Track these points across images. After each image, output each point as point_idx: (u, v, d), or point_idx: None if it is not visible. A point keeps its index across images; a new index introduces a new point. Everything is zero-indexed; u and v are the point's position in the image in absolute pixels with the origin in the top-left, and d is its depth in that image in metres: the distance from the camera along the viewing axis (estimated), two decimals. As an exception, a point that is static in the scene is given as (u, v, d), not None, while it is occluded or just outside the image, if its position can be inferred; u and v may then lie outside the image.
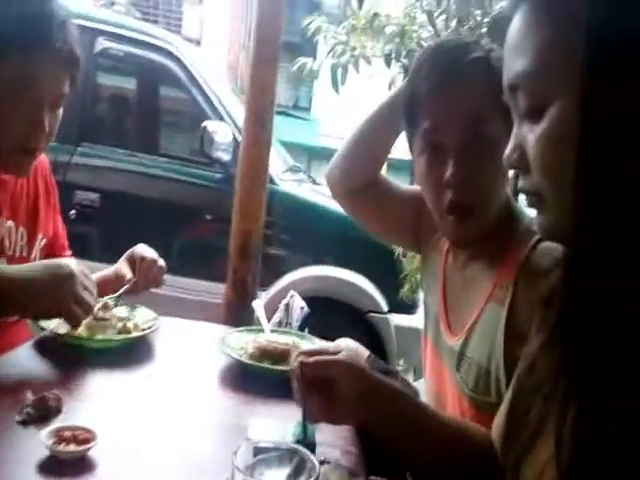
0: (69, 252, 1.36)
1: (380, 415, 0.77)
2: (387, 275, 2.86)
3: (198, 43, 8.64)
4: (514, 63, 0.57)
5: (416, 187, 1.12)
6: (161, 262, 1.30)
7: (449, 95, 0.90)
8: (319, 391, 0.75)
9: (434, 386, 1.08)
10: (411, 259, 2.63)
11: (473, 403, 0.92)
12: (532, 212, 0.65)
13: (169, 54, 3.10)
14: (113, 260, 1.35)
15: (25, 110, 1.03)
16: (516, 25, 0.58)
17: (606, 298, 0.47)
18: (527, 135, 0.57)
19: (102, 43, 3.03)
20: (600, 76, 0.48)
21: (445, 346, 1.01)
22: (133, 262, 1.29)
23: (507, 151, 0.60)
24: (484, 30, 2.03)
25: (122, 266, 1.30)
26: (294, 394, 0.78)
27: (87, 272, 1.07)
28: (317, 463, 0.49)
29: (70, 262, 1.05)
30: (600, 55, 0.48)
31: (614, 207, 0.47)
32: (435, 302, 1.07)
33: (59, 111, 1.10)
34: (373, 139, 1.18)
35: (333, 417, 0.78)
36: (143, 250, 1.31)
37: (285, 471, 0.51)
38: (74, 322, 1.04)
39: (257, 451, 0.52)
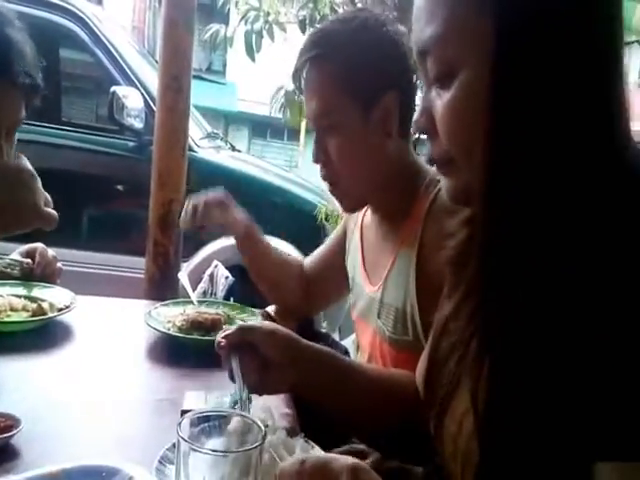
0: None
1: (310, 376, 0.78)
2: (310, 240, 2.88)
3: (99, 2, 8.10)
4: (424, 29, 0.56)
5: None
6: (59, 264, 1.32)
7: (305, 90, 1.02)
8: (246, 360, 0.75)
9: (361, 341, 1.13)
10: (334, 224, 2.66)
11: (393, 345, 0.98)
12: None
13: (70, 14, 2.88)
14: (15, 239, 1.27)
15: None
16: None
17: (517, 259, 0.50)
18: (435, 101, 0.57)
19: (-8, 1, 2.76)
20: (509, 42, 0.49)
21: (366, 298, 1.07)
22: (32, 255, 1.28)
23: (416, 115, 0.61)
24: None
25: (16, 256, 1.29)
26: (224, 367, 0.78)
27: None
28: (262, 427, 0.49)
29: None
30: (509, 22, 0.49)
31: (525, 168, 0.49)
32: (355, 261, 1.14)
33: (15, 137, 1.05)
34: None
35: (265, 385, 0.77)
36: (44, 247, 1.31)
37: (231, 437, 0.51)
38: (52, 223, 0.98)
39: (200, 421, 0.51)
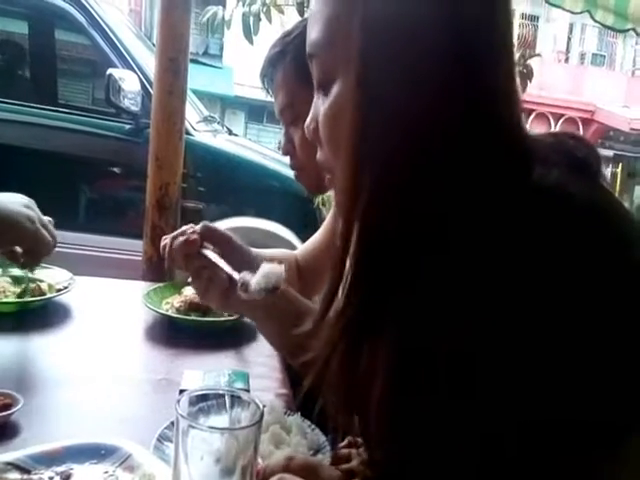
0: None
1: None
2: (307, 224, 2.89)
3: (95, -17, 8.00)
4: (311, 31, 0.54)
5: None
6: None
7: (273, 90, 1.07)
8: None
9: None
10: (330, 208, 2.66)
11: None
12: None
13: (66, -5, 2.84)
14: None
15: None
16: None
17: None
18: (319, 107, 0.55)
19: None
20: (371, 61, 0.46)
21: None
22: None
23: (307, 121, 0.58)
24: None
25: None
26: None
27: None
28: (260, 405, 0.50)
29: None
30: (372, 40, 0.46)
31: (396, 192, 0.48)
32: None
33: None
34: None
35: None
36: None
37: (229, 415, 0.51)
38: (41, 245, 0.98)
39: (198, 399, 0.52)
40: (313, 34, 0.53)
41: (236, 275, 0.78)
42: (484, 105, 0.48)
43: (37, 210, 1.00)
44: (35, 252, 1.00)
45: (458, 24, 0.46)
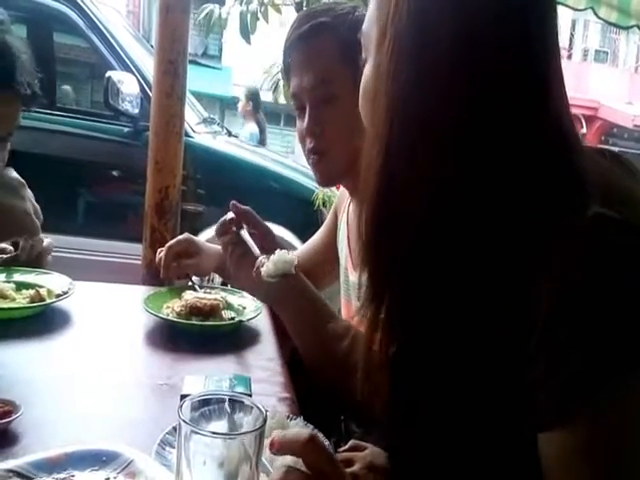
0: None
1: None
2: (307, 226, 2.87)
3: (93, -14, 8.00)
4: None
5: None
6: (48, 241, 1.29)
7: (298, 63, 1.03)
8: None
9: None
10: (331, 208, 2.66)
11: None
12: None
13: (64, -3, 2.84)
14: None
15: None
16: None
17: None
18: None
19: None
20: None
21: (350, 283, 1.09)
22: (16, 241, 1.26)
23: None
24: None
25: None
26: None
27: None
28: (263, 410, 0.50)
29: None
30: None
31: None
32: (343, 246, 1.16)
33: (7, 144, 1.07)
34: None
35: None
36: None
37: (232, 420, 0.51)
38: (35, 236, 0.99)
39: (201, 404, 0.51)
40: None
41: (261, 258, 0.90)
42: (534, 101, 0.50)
43: (28, 193, 1.00)
44: (26, 242, 1.01)
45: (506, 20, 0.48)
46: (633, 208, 0.46)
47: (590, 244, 0.45)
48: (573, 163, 0.50)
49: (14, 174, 1.02)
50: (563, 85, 0.53)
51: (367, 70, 0.56)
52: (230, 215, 0.99)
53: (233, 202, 0.99)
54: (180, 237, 1.30)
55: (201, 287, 1.26)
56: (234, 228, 0.98)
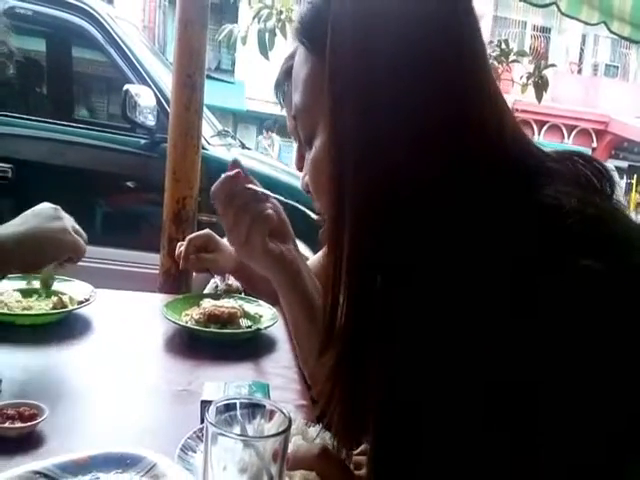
0: None
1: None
2: (319, 237, 2.89)
3: (110, 1, 8.15)
4: (294, 95, 0.58)
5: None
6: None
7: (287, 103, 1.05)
8: None
9: None
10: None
11: None
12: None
13: (83, 12, 2.90)
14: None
15: None
16: (296, 58, 0.57)
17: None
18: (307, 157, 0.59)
19: (7, 1, 2.78)
20: (340, 115, 0.49)
21: None
22: None
23: (302, 175, 0.62)
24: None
25: None
26: None
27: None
28: (288, 414, 0.50)
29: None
30: (340, 95, 0.48)
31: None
32: None
33: None
34: None
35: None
36: None
37: (258, 425, 0.52)
38: (80, 252, 1.00)
39: (225, 409, 0.52)
40: (294, 97, 0.57)
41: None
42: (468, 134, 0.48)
43: (65, 215, 1.01)
44: (73, 259, 1.03)
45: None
46: (616, 253, 0.43)
47: (578, 305, 0.41)
48: (537, 201, 0.46)
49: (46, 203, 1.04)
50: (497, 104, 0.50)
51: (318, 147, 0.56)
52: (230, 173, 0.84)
53: (235, 159, 0.87)
54: (201, 232, 1.32)
55: (218, 296, 1.28)
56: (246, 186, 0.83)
